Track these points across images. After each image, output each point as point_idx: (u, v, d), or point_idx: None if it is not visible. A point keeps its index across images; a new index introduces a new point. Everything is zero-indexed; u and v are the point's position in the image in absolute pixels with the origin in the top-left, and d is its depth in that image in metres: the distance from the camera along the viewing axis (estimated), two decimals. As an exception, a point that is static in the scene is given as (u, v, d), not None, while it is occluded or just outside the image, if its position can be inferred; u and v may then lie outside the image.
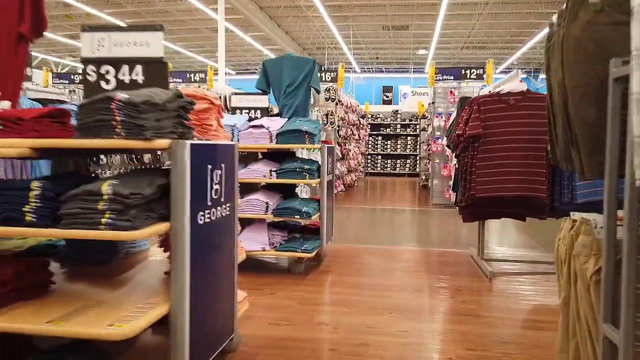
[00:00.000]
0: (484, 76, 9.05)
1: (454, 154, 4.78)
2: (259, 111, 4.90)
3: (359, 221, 7.89)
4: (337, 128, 9.86)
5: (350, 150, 11.91)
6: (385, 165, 18.18)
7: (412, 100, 19.22)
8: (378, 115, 18.16)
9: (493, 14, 15.02)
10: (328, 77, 9.87)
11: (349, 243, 5.69)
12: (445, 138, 7.80)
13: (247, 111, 4.92)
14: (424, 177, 12.77)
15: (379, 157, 18.16)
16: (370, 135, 17.94)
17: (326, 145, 4.53)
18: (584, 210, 4.20)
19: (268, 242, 4.31)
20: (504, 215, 4.35)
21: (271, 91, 4.95)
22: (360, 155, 14.07)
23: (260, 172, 4.38)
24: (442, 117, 8.96)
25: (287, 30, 17.82)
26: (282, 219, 4.38)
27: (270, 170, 4.39)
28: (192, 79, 10.35)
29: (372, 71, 25.49)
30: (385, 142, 18.15)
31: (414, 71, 23.43)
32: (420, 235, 6.70)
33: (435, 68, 9.33)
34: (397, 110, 18.22)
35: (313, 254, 4.22)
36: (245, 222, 4.43)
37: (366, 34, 18.41)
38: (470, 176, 4.14)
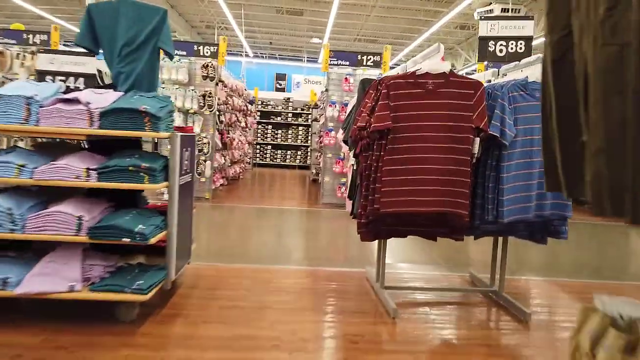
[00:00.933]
0: (381, 64, 8.25)
1: (352, 152, 3.71)
2: (81, 79, 3.37)
3: (236, 226, 6.59)
4: (218, 113, 8.41)
5: (234, 140, 10.52)
6: (275, 156, 17.01)
7: (305, 89, 18.30)
8: (269, 103, 16.89)
9: (385, 7, 14.60)
10: (207, 52, 8.36)
11: (216, 261, 4.38)
12: (341, 131, 6.81)
13: (63, 78, 3.35)
14: (314, 172, 11.81)
15: (269, 147, 16.92)
16: (259, 123, 16.62)
17: (180, 133, 3.16)
18: (505, 231, 3.38)
19: (80, 276, 2.85)
20: (413, 234, 3.38)
21: (103, 52, 3.42)
22: (247, 144, 12.71)
23: (69, 170, 2.88)
24: (335, 106, 7.97)
25: (172, 4, 15.75)
26: (101, 242, 2.92)
27: (88, 169, 2.91)
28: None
29: (266, 57, 24.17)
30: (276, 132, 16.96)
31: (307, 60, 22.58)
32: (307, 247, 5.61)
33: (330, 51, 8.32)
34: (289, 98, 17.10)
35: (148, 295, 2.85)
36: (48, 247, 2.93)
37: (259, 16, 17.05)
38: (374, 184, 3.08)
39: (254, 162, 16.04)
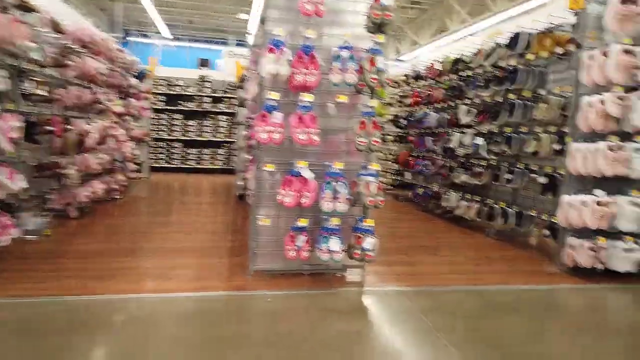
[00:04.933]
0: None
1: None
2: None
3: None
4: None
5: (93, 134, 5.75)
6: (187, 158, 12.21)
7: (228, 64, 13.52)
8: (176, 82, 12.02)
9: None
10: None
11: None
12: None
13: None
14: (242, 184, 7.24)
15: (177, 144, 12.08)
16: (160, 111, 11.75)
17: None
18: None
19: None
20: None
21: None
22: (131, 142, 7.88)
23: None
24: (283, 51, 3.49)
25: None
26: None
27: None
28: None
29: (186, 40, 19.11)
30: (187, 123, 12.16)
31: (237, 44, 17.95)
32: None
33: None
34: (204, 76, 12.33)
35: None
36: None
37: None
38: None
39: (152, 166, 11.12)
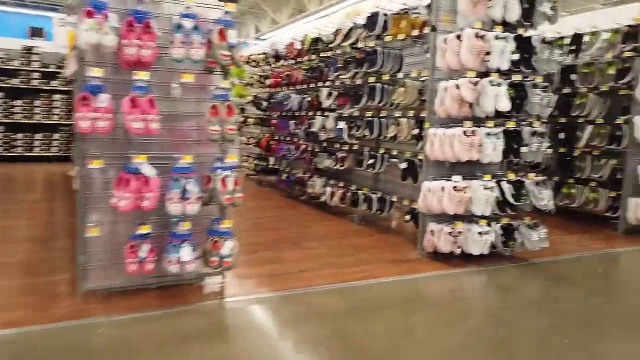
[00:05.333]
0: None
1: None
2: None
3: None
4: None
5: None
6: (14, 145, 10.31)
7: (61, 35, 11.63)
8: (-8, 53, 9.98)
9: None
10: None
11: None
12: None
13: None
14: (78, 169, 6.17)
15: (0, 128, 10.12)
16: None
17: None
18: None
19: None
20: None
21: None
22: None
23: None
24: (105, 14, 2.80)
25: None
26: None
27: None
28: None
29: (11, 3, 16.01)
30: (12, 103, 10.22)
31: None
32: None
33: None
34: (30, 47, 10.43)
35: None
36: None
37: None
38: None
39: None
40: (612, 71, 5.34)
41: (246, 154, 9.08)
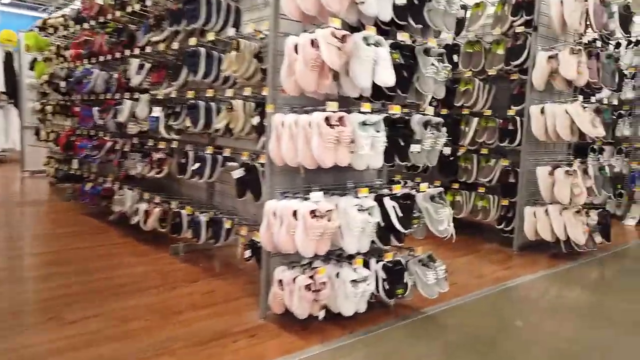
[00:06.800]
0: None
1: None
2: None
3: None
4: None
5: None
6: None
7: None
8: None
9: None
10: None
11: None
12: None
13: None
14: None
15: None
16: None
17: None
18: None
19: None
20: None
21: None
22: None
23: None
24: None
25: None
26: None
27: None
28: None
29: None
30: None
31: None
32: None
33: None
34: None
35: None
36: None
37: None
38: None
39: None
40: (501, 51, 4.37)
41: (49, 154, 6.72)
